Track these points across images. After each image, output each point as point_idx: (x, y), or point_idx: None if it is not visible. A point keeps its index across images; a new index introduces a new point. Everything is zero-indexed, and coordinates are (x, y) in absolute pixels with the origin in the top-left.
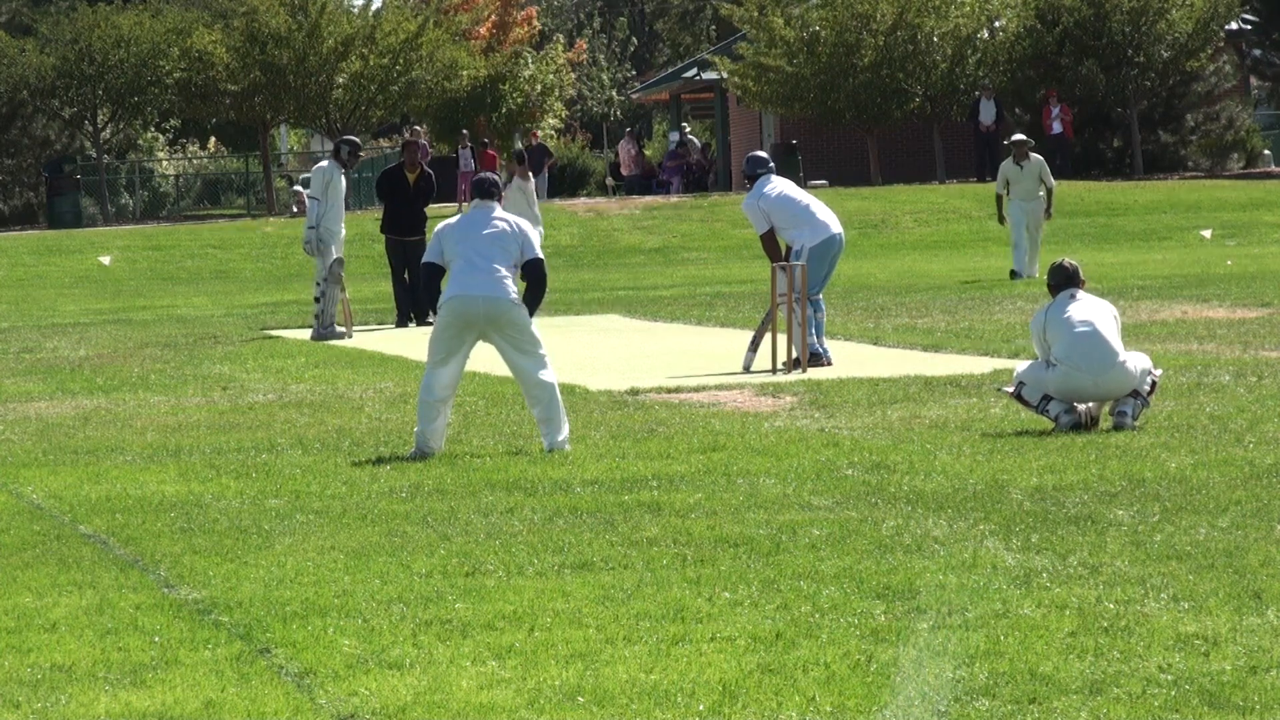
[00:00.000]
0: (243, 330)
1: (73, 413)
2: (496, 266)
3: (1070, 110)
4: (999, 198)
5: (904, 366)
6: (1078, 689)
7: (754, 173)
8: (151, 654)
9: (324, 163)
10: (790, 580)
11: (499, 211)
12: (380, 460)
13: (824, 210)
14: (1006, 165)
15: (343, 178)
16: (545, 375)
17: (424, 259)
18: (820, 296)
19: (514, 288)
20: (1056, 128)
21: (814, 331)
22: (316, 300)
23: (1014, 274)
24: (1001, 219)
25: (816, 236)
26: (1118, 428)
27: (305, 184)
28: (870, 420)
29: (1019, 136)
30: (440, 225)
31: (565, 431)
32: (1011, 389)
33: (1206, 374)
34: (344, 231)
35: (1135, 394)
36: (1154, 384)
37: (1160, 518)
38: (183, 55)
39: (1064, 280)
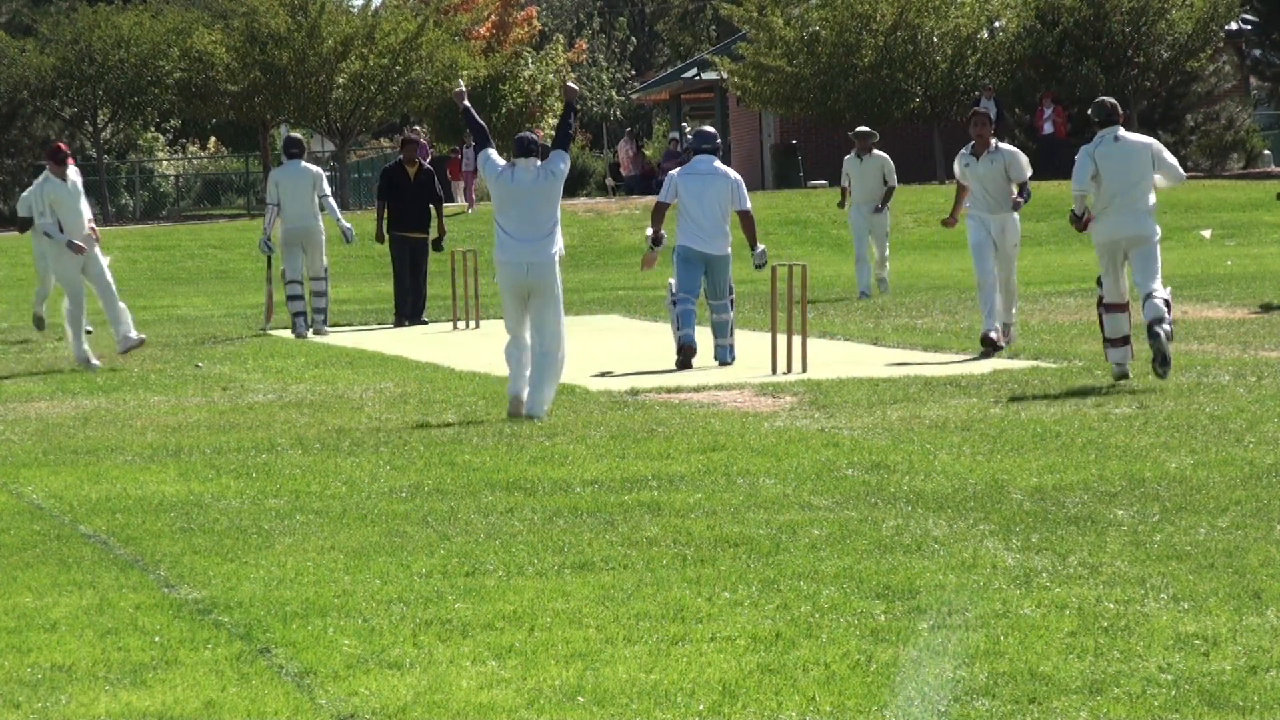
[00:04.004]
0: (242, 330)
1: (73, 413)
2: (541, 226)
3: (1064, 111)
4: (843, 190)
5: (904, 366)
6: (1078, 689)
7: (698, 146)
8: (151, 654)
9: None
10: (790, 580)
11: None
12: (380, 460)
13: (698, 223)
14: (848, 159)
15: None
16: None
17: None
18: (685, 295)
19: (557, 246)
20: (1048, 128)
21: (682, 323)
22: (323, 295)
23: (862, 294)
24: (843, 203)
25: (683, 240)
26: (1153, 338)
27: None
28: (870, 420)
29: (863, 129)
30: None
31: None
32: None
33: (1206, 374)
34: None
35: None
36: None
37: (1160, 518)
38: (183, 55)
39: (1105, 117)
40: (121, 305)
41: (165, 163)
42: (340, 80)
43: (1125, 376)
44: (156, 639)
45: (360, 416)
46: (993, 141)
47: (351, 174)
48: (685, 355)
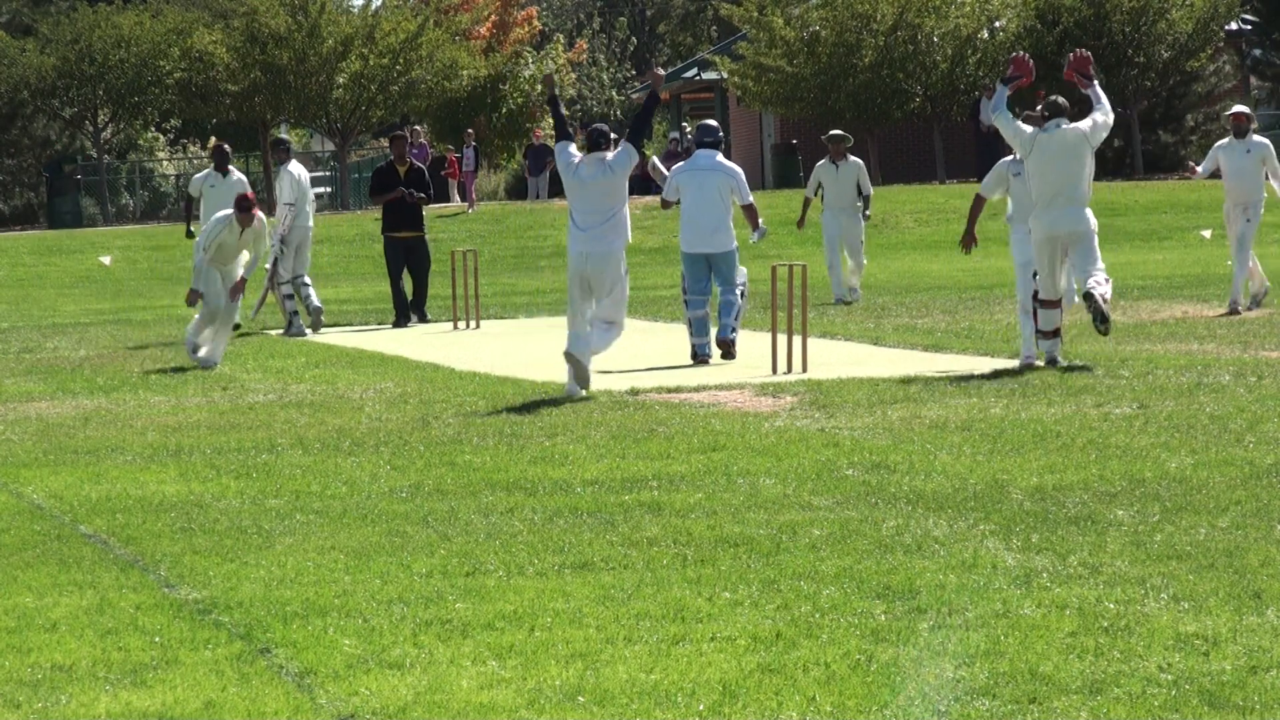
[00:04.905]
0: (243, 328)
1: (73, 413)
2: (602, 216)
3: None
4: (806, 201)
5: (904, 366)
6: (1078, 689)
7: (700, 140)
8: (151, 654)
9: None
10: (790, 580)
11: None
12: (380, 460)
13: (696, 223)
14: (821, 166)
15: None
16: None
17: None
18: (697, 298)
19: (619, 236)
20: None
21: (696, 331)
22: (291, 298)
23: (839, 301)
24: (802, 222)
25: (686, 246)
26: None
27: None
28: (870, 420)
29: (836, 133)
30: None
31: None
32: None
33: (1206, 374)
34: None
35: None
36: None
37: (1160, 518)
38: (183, 55)
39: (1053, 112)
40: (227, 334)
41: (165, 163)
42: (340, 80)
43: (1055, 362)
44: (156, 639)
45: (360, 416)
46: None
47: (351, 174)
48: (699, 364)
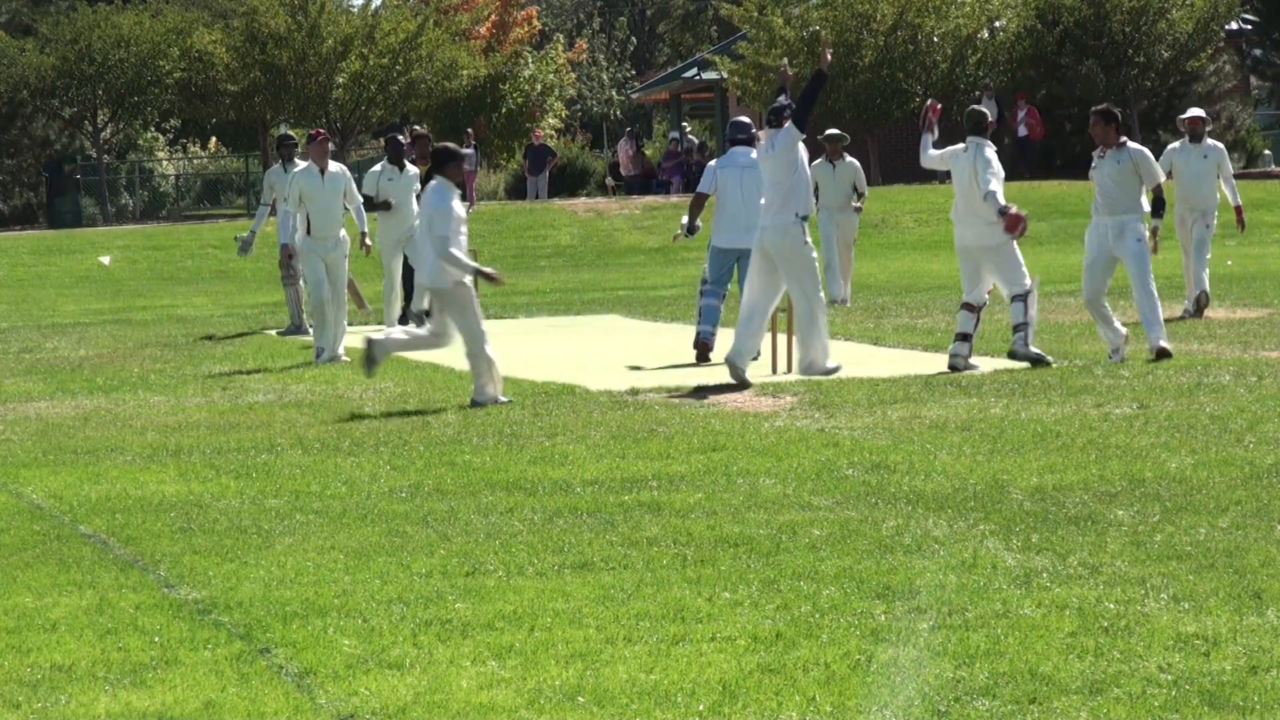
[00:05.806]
0: (241, 329)
1: (73, 413)
2: (772, 194)
3: (1039, 113)
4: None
5: (904, 366)
6: (1078, 689)
7: (733, 137)
8: (151, 654)
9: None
10: (790, 580)
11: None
12: (380, 460)
13: (735, 219)
14: (817, 165)
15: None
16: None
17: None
18: (715, 288)
19: (791, 211)
20: (1022, 131)
21: (703, 318)
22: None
23: (834, 299)
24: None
25: (720, 240)
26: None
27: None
28: (870, 420)
29: (833, 131)
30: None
31: (816, 355)
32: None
33: (1206, 374)
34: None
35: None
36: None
37: (1160, 518)
38: (183, 55)
39: (971, 127)
40: (343, 323)
41: (165, 163)
42: (340, 80)
43: (956, 370)
44: (156, 639)
45: (360, 416)
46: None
47: (351, 173)
48: (701, 351)
